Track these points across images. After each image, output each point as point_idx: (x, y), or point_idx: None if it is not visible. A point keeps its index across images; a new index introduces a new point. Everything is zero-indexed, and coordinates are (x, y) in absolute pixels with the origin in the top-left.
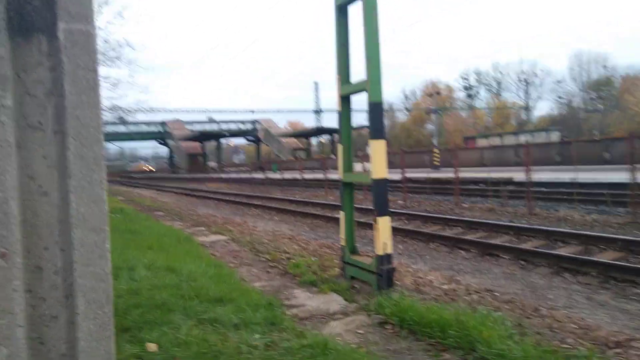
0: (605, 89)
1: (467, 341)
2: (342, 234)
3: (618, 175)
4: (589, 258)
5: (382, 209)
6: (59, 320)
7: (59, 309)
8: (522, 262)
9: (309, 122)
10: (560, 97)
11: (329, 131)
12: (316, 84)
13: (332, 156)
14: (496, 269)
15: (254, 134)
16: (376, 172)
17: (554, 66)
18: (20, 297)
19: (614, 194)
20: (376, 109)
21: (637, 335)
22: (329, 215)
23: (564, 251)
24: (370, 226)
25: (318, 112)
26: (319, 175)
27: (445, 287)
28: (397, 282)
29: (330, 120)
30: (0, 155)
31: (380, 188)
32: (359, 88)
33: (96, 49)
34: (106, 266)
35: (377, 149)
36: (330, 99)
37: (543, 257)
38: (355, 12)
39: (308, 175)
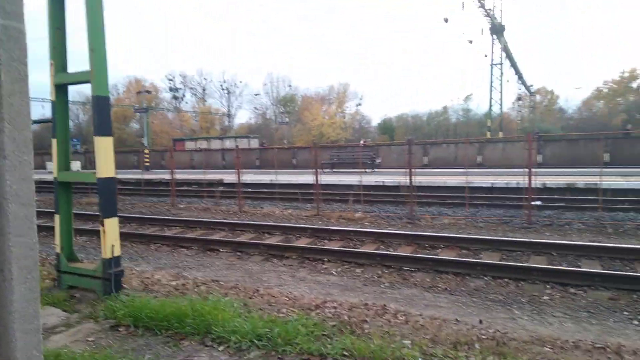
0: (290, 105)
1: (203, 326)
2: (58, 241)
3: (305, 177)
4: (289, 244)
5: (109, 210)
6: None
7: None
8: (239, 253)
9: None
10: (256, 108)
11: None
12: None
13: None
14: (218, 261)
15: None
16: (102, 171)
17: (252, 81)
18: None
19: (304, 192)
20: (102, 103)
21: (328, 299)
22: None
23: (270, 241)
24: (80, 232)
25: None
26: None
27: (174, 283)
28: (125, 285)
29: None
30: None
31: (108, 188)
32: (81, 79)
33: (27, 45)
34: (34, 236)
35: (103, 146)
36: None
37: (255, 247)
38: None
39: None
